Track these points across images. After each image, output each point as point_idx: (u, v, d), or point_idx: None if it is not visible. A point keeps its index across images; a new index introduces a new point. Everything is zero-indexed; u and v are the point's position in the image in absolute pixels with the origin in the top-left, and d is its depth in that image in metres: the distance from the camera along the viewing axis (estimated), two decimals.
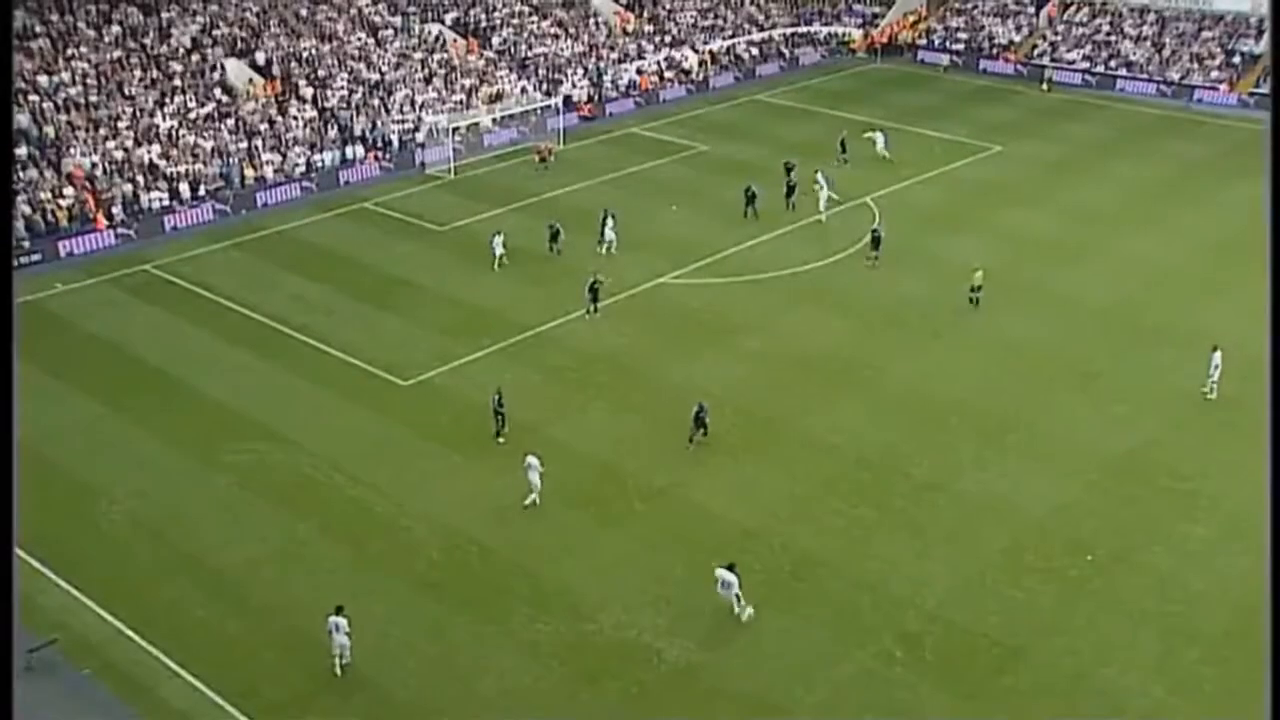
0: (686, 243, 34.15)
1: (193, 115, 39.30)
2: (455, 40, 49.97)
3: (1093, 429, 24.18)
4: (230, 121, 39.72)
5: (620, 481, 22.39)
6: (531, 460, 21.58)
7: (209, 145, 38.33)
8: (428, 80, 46.51)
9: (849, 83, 55.82)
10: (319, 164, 39.88)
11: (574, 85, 50.04)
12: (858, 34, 62.37)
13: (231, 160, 38.10)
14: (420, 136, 43.11)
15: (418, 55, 47.80)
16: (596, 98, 50.12)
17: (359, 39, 46.93)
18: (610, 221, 33.01)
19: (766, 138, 45.22)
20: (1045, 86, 53.56)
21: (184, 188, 36.59)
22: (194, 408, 24.74)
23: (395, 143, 42.39)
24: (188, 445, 23.20)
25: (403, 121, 43.44)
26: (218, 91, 40.91)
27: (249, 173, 38.05)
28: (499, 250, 32.14)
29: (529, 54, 51.13)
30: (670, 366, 26.67)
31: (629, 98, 51.15)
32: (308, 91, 42.63)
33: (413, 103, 44.68)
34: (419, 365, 26.71)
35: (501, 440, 23.53)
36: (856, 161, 42.05)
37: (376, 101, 43.80)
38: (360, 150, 41.31)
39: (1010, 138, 45.14)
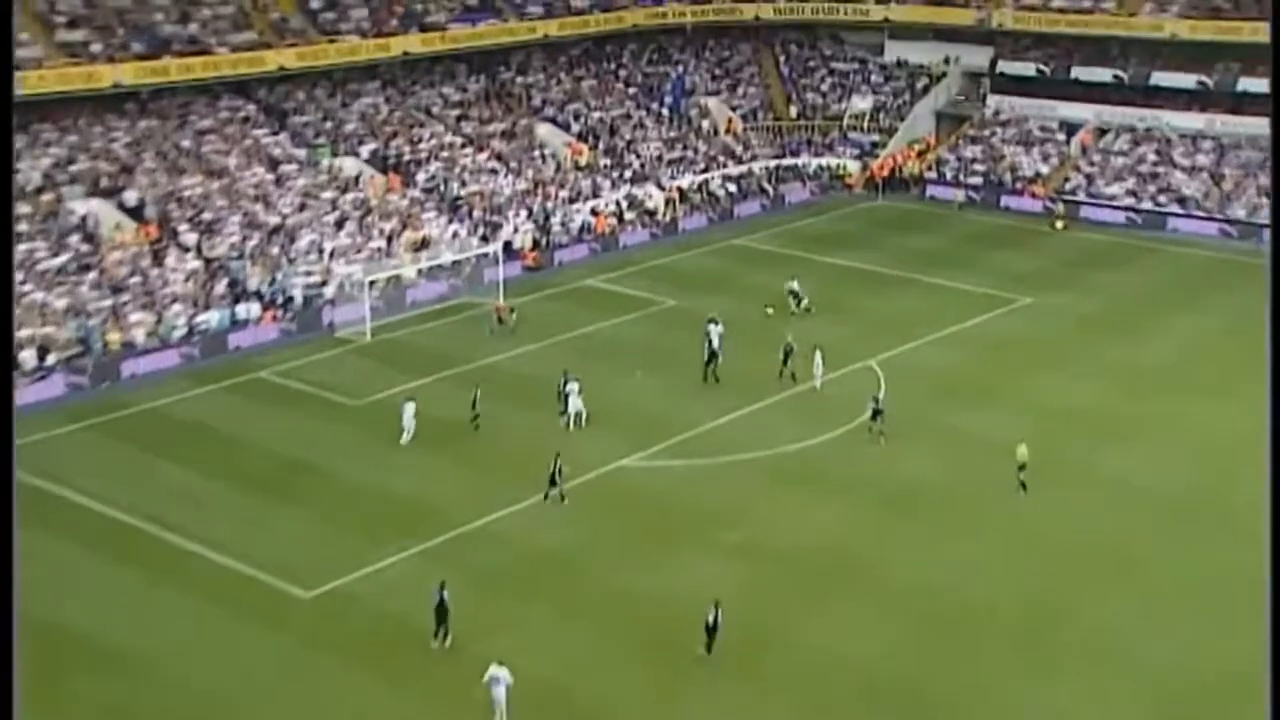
0: (653, 417, 35.90)
1: (42, 267, 40.80)
2: (373, 176, 53.37)
3: (1150, 641, 24.93)
4: (91, 275, 41.44)
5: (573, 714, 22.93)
6: (498, 673, 22.04)
7: (62, 304, 39.76)
8: (339, 224, 49.42)
9: (845, 224, 59.63)
10: (203, 326, 41.78)
11: (516, 229, 53.24)
12: (854, 166, 66.97)
13: (91, 322, 39.47)
14: (329, 291, 45.48)
15: (327, 194, 50.95)
16: (543, 244, 53.38)
17: (255, 175, 50.06)
18: (574, 388, 34.88)
19: (747, 290, 48.00)
20: (1059, 224, 57.41)
21: (28, 355, 37.25)
22: (37, 634, 23.64)
23: (298, 299, 44.67)
24: (26, 682, 23.07)
25: (308, 274, 45.89)
26: (75, 239, 42.90)
27: (113, 337, 39.39)
28: (409, 422, 33.80)
29: (462, 192, 54.59)
30: (633, 569, 27.54)
31: (582, 243, 54.43)
32: (190, 238, 45.03)
33: (321, 251, 47.37)
34: (325, 572, 27.22)
35: (437, 646, 24.33)
36: (858, 318, 45.04)
37: (276, 250, 46.48)
38: (255, 308, 43.51)
39: (1040, 288, 48.24)
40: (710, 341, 38.99)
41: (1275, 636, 12.82)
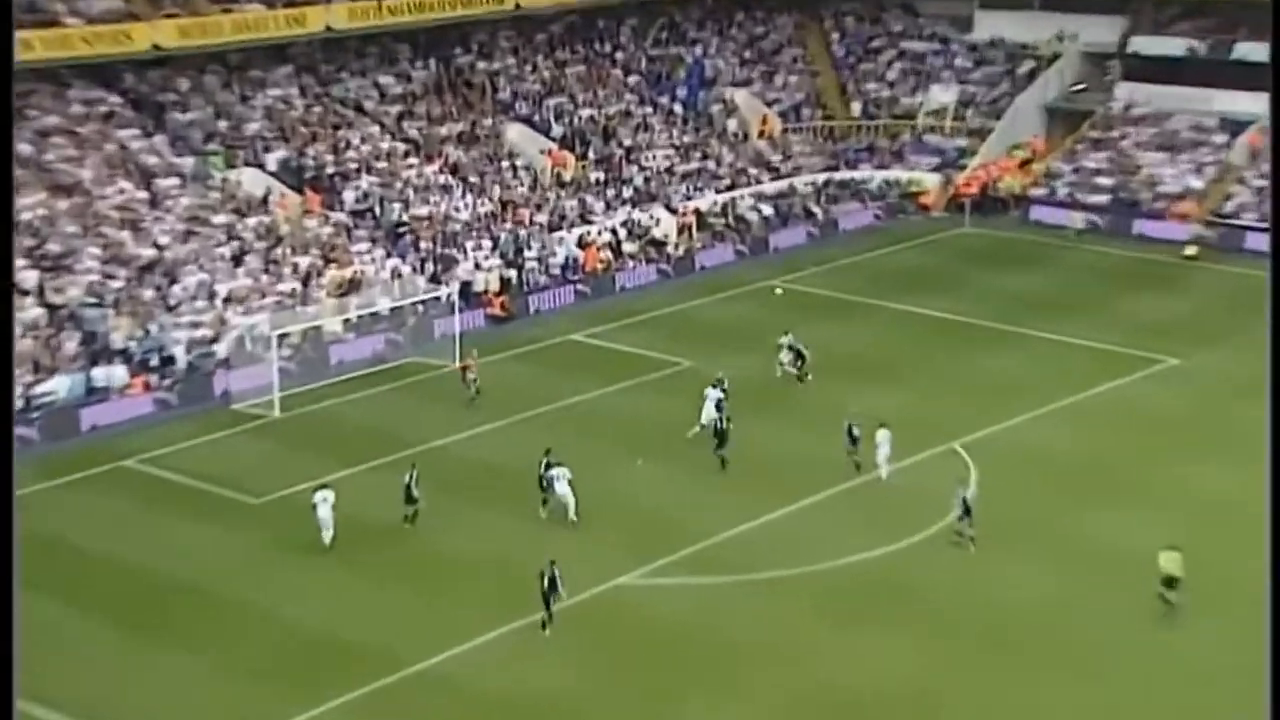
0: (660, 519, 36.28)
1: None
2: (283, 195, 54.24)
3: None
4: None
5: None
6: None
7: None
8: (237, 259, 50.05)
9: (920, 258, 60.23)
10: (46, 397, 42.30)
11: (478, 266, 54.03)
12: (932, 181, 67.93)
13: None
14: (223, 349, 46.01)
15: (220, 219, 51.63)
16: (514, 286, 54.08)
17: (120, 192, 50.79)
18: (561, 474, 35.77)
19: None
20: (1190, 250, 57.89)
21: None
22: None
23: (181, 361, 45.25)
24: None
25: (194, 326, 46.48)
26: None
27: None
28: (325, 516, 34.66)
29: (405, 216, 55.53)
30: None
31: (566, 285, 55.13)
32: (28, 276, 45.31)
33: (212, 296, 48.00)
34: None
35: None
36: (938, 385, 45.47)
37: (149, 294, 47.07)
38: (120, 373, 44.03)
39: (1190, 343, 48.64)
40: (716, 415, 39.71)
41: (1275, 637, 16.86)
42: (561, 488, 35.82)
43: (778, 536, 35.60)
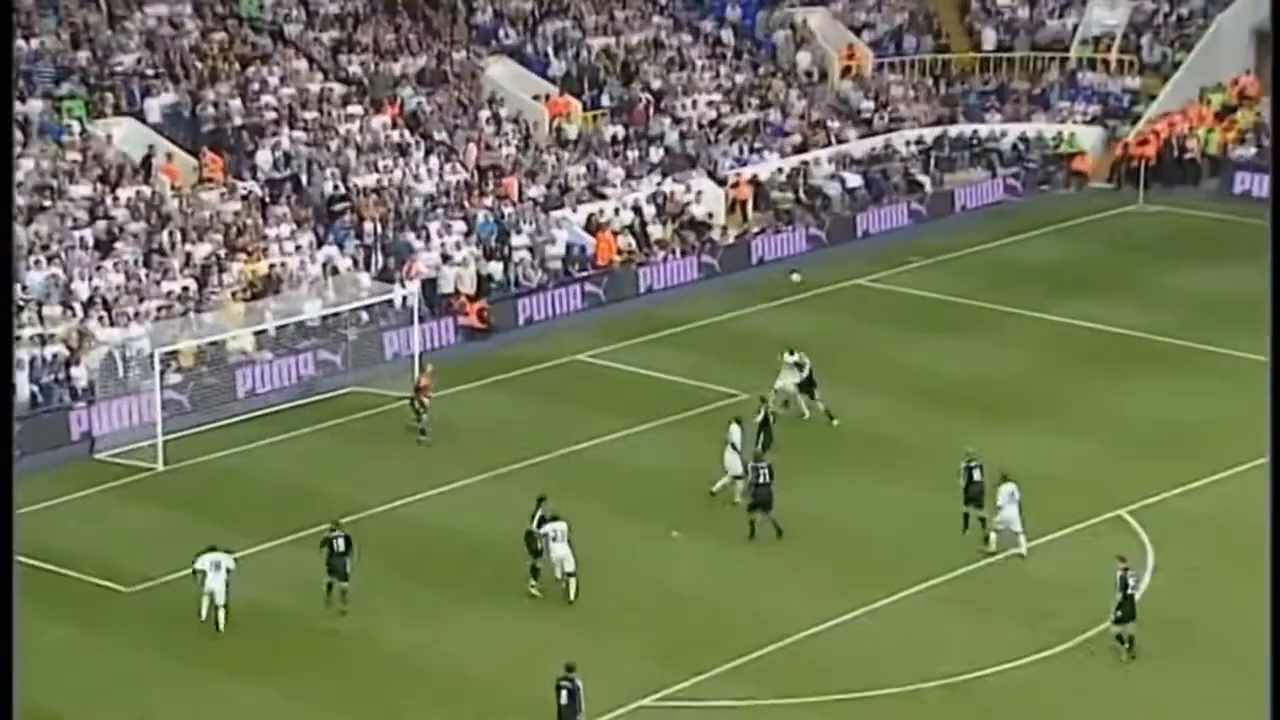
0: (704, 614, 36.60)
1: None
2: (170, 156, 54.59)
3: None
4: None
5: None
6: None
7: None
8: (105, 247, 50.41)
9: (1072, 246, 60.18)
10: None
11: (446, 258, 54.23)
12: (1091, 138, 68.17)
13: None
14: (84, 375, 46.29)
15: (80, 190, 52.02)
16: (496, 285, 54.42)
17: None
18: (554, 529, 37.01)
19: (881, 371, 48.82)
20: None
21: None
22: None
23: (23, 390, 45.45)
24: None
25: (43, 341, 46.75)
26: None
27: None
28: (217, 586, 35.70)
29: (343, 188, 55.83)
30: None
31: (569, 283, 55.48)
32: None
33: (67, 298, 48.35)
34: None
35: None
36: (1101, 425, 45.45)
37: None
38: None
39: None
40: (754, 463, 40.25)
41: (1275, 636, 23.22)
42: (560, 549, 36.74)
43: (866, 639, 35.67)
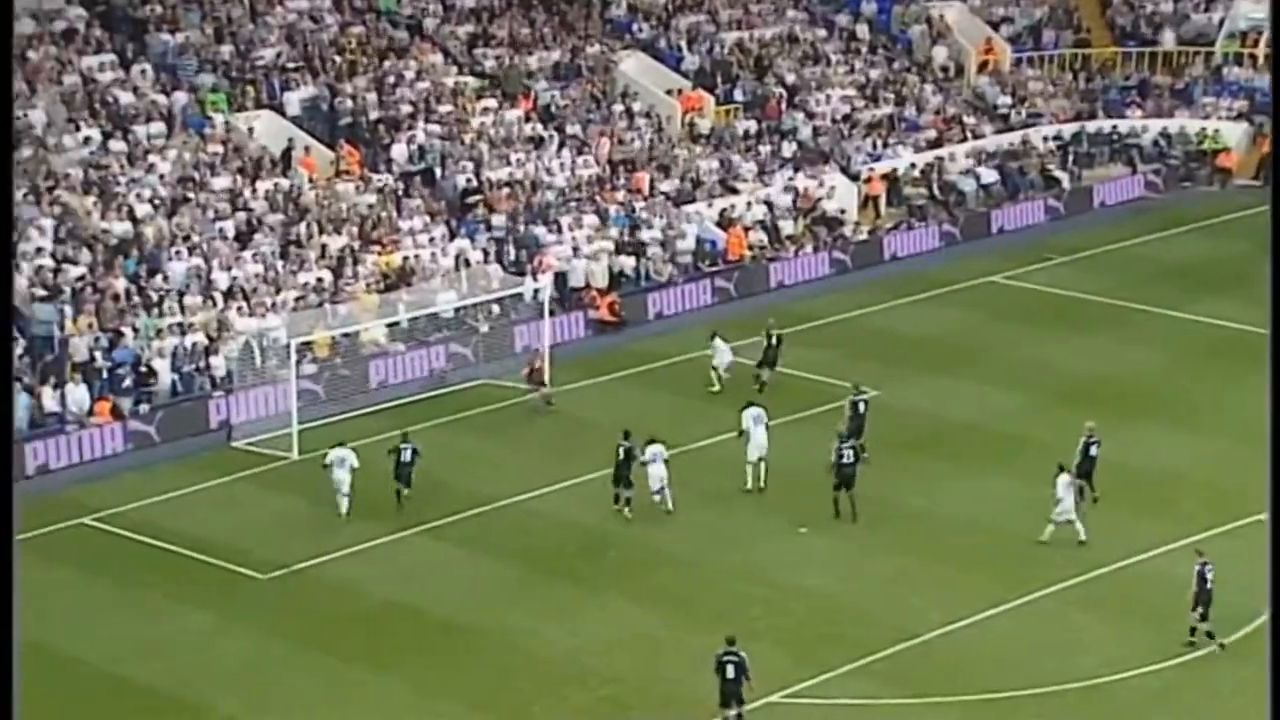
0: (832, 611, 36.99)
1: None
2: (308, 150, 55.34)
3: None
4: None
5: None
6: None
7: None
8: (244, 238, 51.04)
9: (1216, 244, 59.59)
10: None
11: (577, 251, 54.58)
12: (1236, 135, 67.21)
13: None
14: (222, 364, 47.06)
15: (220, 182, 52.78)
16: (630, 279, 54.77)
17: (84, 142, 52.03)
18: (654, 451, 40.58)
19: (1014, 369, 48.83)
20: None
21: None
22: None
23: (164, 379, 46.36)
24: None
25: (183, 331, 47.36)
26: None
27: None
28: (342, 477, 40.68)
29: (477, 181, 56.30)
30: None
31: (700, 278, 55.80)
32: None
33: (207, 288, 48.93)
34: None
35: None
36: (1246, 431, 44.90)
37: (122, 285, 47.99)
38: (80, 395, 45.05)
39: None
40: (840, 452, 40.74)
41: (1275, 637, 24.56)
42: (659, 469, 40.10)
43: (998, 639, 35.76)
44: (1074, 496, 39.05)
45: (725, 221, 57.42)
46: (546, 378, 46.98)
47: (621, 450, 40.88)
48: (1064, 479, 39.07)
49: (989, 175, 63.30)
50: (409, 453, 41.11)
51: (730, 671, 31.62)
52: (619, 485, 40.81)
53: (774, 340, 48.58)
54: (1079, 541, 38.83)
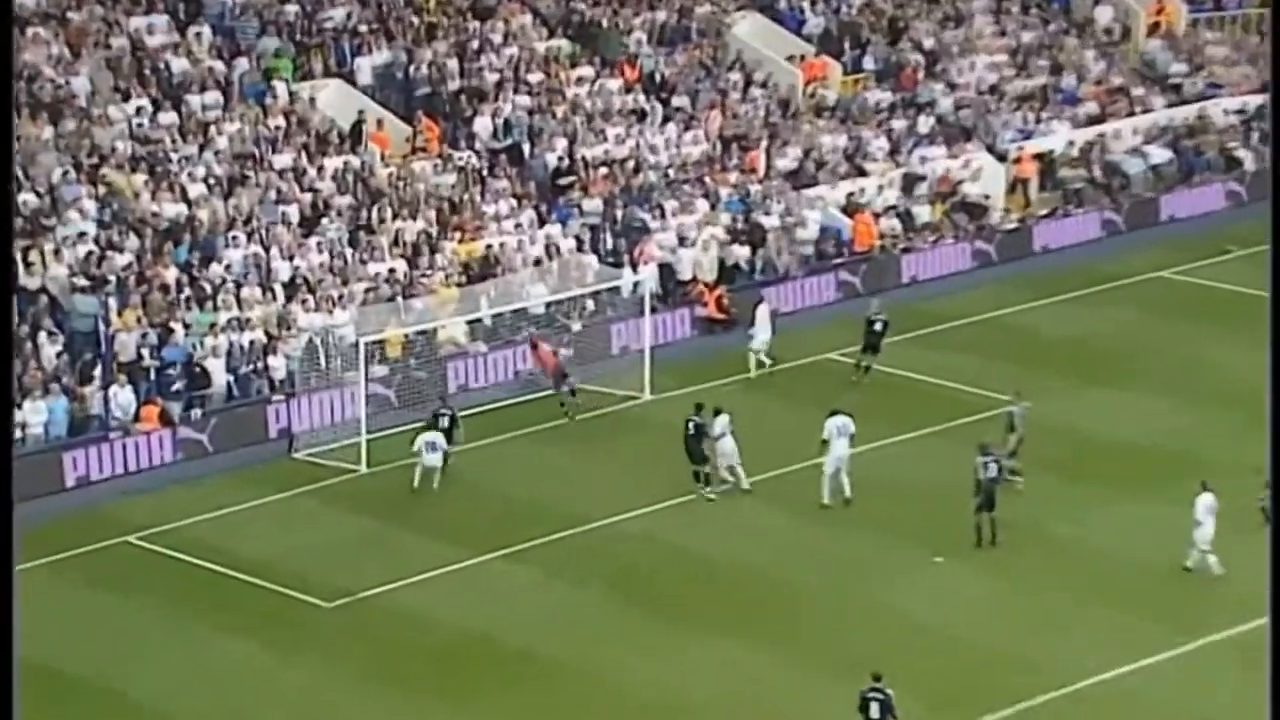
0: (976, 651, 36.80)
1: None
2: (381, 123, 55.50)
3: None
4: None
5: None
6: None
7: None
8: (309, 223, 51.28)
9: None
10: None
11: (684, 240, 54.35)
12: None
13: None
14: (283, 367, 47.32)
15: (283, 158, 52.99)
16: (743, 271, 54.80)
17: (135, 113, 52.37)
18: (720, 423, 42.66)
19: (1196, 383, 48.68)
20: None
21: None
22: None
23: (218, 381, 46.59)
24: None
25: (240, 327, 47.53)
26: None
27: None
28: (433, 463, 44.22)
29: (570, 159, 56.27)
30: None
31: (822, 271, 55.66)
32: None
33: (267, 280, 49.35)
34: None
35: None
36: None
37: (173, 275, 48.33)
38: (125, 398, 45.36)
39: None
40: (985, 466, 40.57)
41: (1275, 636, 25.15)
42: (728, 444, 41.93)
43: (1163, 688, 35.63)
44: (1213, 523, 38.67)
45: (852, 207, 57.17)
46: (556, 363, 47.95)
47: (692, 425, 42.52)
48: (1205, 500, 38.64)
49: (1159, 155, 62.61)
50: (447, 419, 43.56)
51: (875, 710, 31.82)
52: (695, 462, 42.63)
53: (878, 325, 48.84)
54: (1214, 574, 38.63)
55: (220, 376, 46.91)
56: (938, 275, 57.08)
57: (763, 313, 49.70)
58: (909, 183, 59.38)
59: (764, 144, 58.83)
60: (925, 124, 61.62)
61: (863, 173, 58.98)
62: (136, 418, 45.57)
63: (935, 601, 38.84)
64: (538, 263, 52.18)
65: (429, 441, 43.15)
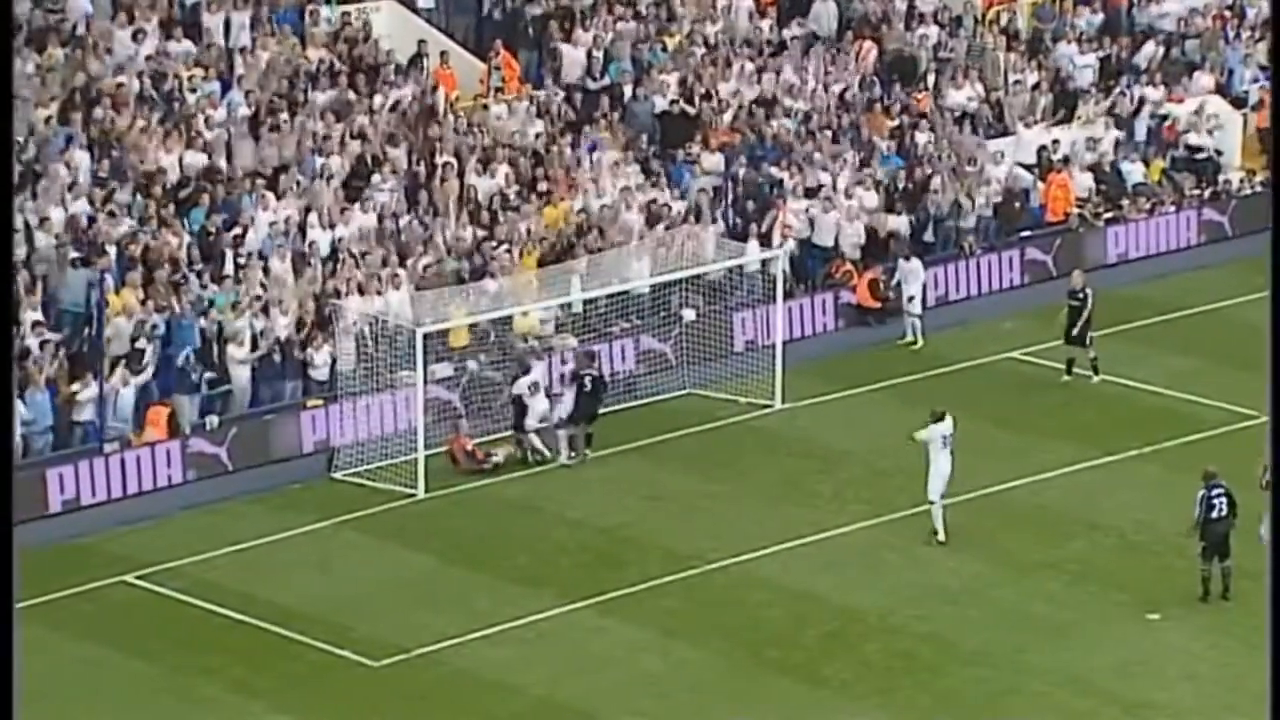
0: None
1: None
2: (445, 56, 56.14)
3: None
4: None
5: None
6: None
7: None
8: (357, 180, 51.91)
9: None
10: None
11: (829, 205, 54.36)
12: None
13: None
14: (323, 359, 47.95)
15: (326, 95, 53.51)
16: (902, 246, 54.85)
17: (152, 46, 53.00)
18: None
19: None
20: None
21: None
22: None
23: (240, 379, 47.01)
24: None
25: (267, 309, 47.77)
26: None
27: None
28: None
29: (683, 100, 56.50)
30: None
31: (1005, 248, 55.99)
32: None
33: (304, 252, 49.80)
34: None
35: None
36: None
37: (185, 243, 48.71)
38: (125, 397, 45.84)
39: None
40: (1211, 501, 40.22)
41: (1275, 636, 30.02)
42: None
43: None
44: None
45: (1045, 164, 57.64)
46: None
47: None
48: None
49: None
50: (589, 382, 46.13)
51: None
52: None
53: (1084, 298, 49.22)
54: None
55: (243, 374, 47.20)
56: (1153, 253, 57.47)
57: (915, 266, 50.31)
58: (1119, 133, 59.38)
59: (932, 81, 58.83)
60: (1141, 58, 61.58)
61: (1059, 121, 58.92)
62: (139, 426, 45.91)
63: (1148, 669, 38.94)
64: (642, 235, 52.15)
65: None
